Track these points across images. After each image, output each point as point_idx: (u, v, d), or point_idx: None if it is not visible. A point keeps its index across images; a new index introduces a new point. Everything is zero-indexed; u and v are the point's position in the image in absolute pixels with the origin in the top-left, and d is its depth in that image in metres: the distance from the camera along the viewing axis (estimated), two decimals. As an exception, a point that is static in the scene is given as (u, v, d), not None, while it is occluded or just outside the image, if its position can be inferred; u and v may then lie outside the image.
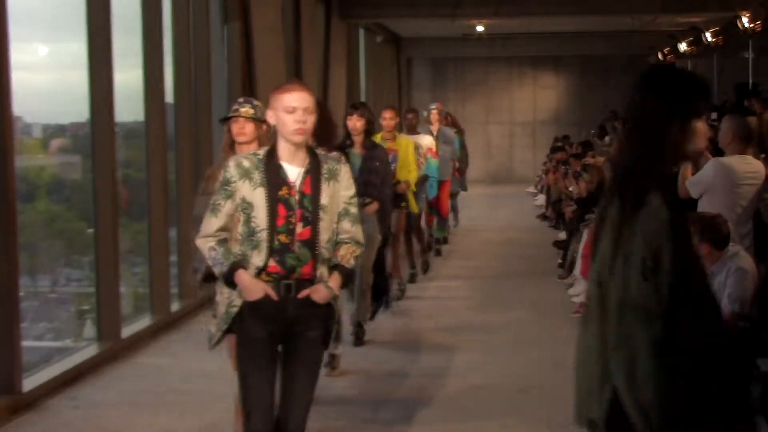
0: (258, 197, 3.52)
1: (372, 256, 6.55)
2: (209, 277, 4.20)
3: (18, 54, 5.54)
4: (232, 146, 4.48)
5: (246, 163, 3.56)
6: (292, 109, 3.52)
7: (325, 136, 5.45)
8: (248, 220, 3.53)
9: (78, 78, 6.54)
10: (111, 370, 6.21)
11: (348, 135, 6.59)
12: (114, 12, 6.56)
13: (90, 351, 6.37)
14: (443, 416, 5.23)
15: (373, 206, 6.45)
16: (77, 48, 6.55)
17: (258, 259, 3.51)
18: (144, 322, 7.18)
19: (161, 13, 7.49)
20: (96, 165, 6.54)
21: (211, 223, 3.59)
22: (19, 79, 5.48)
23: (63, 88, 6.97)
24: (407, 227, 8.67)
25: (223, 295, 3.65)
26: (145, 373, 6.19)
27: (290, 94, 3.55)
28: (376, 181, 6.53)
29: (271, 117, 3.59)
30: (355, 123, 6.50)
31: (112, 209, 6.54)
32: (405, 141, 7.86)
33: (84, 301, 7.07)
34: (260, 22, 9.35)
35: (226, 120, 4.53)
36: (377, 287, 6.80)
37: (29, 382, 5.54)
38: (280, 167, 3.56)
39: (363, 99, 16.19)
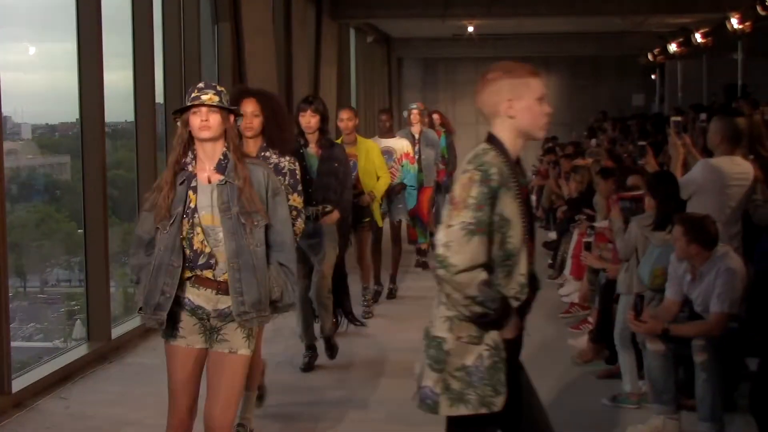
0: (515, 211, 2.86)
1: (330, 270, 5.87)
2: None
3: (7, 54, 5.53)
4: (189, 144, 3.55)
5: (505, 169, 2.85)
6: (543, 96, 2.95)
7: (281, 136, 4.77)
8: (504, 242, 2.85)
9: (68, 78, 6.52)
10: (101, 370, 6.20)
11: (301, 133, 5.79)
12: (104, 12, 6.54)
13: (80, 351, 6.35)
14: (429, 417, 5.22)
15: (334, 215, 5.76)
16: (67, 48, 6.54)
17: (512, 288, 2.89)
18: (134, 323, 7.15)
19: (152, 13, 7.48)
20: (86, 165, 6.53)
21: (481, 249, 2.80)
22: (8, 79, 5.47)
23: (53, 88, 6.95)
24: (374, 239, 7.76)
25: (482, 347, 2.87)
26: (135, 373, 6.17)
27: (537, 77, 2.96)
28: (335, 185, 5.79)
29: (507, 108, 2.92)
30: (309, 120, 5.74)
31: (101, 209, 6.53)
32: (366, 145, 7.05)
33: (74, 301, 7.05)
34: (251, 23, 9.34)
35: (181, 112, 3.55)
36: (337, 303, 6.22)
37: (18, 383, 5.52)
38: (519, 172, 2.93)
39: (353, 99, 16.20)
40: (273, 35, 10.21)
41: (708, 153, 5.96)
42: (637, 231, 5.40)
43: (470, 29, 16.93)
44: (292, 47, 11.31)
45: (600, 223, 7.45)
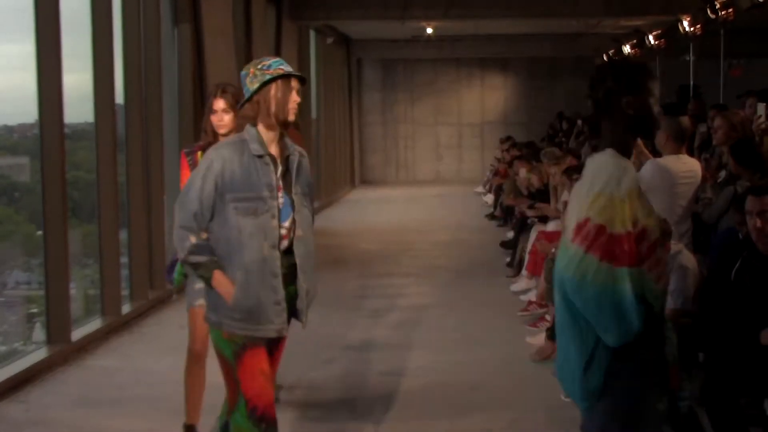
0: None
1: None
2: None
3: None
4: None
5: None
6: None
7: None
8: None
9: (26, 79, 6.49)
10: (61, 373, 6.17)
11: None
12: (63, 12, 6.51)
13: (40, 354, 6.32)
14: (395, 414, 5.30)
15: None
16: (25, 49, 6.50)
17: None
18: (95, 325, 7.14)
19: (111, 13, 7.46)
20: (45, 167, 6.50)
21: None
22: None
23: (10, 90, 6.90)
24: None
25: None
26: (95, 375, 6.16)
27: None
28: None
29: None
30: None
31: (61, 211, 6.51)
32: None
33: (33, 304, 7.01)
34: (211, 24, 9.34)
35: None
36: None
37: (-22, 386, 5.50)
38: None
39: (313, 100, 16.20)
40: (233, 37, 10.21)
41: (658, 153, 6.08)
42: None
43: (429, 31, 17.04)
44: (252, 49, 11.32)
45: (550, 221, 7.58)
